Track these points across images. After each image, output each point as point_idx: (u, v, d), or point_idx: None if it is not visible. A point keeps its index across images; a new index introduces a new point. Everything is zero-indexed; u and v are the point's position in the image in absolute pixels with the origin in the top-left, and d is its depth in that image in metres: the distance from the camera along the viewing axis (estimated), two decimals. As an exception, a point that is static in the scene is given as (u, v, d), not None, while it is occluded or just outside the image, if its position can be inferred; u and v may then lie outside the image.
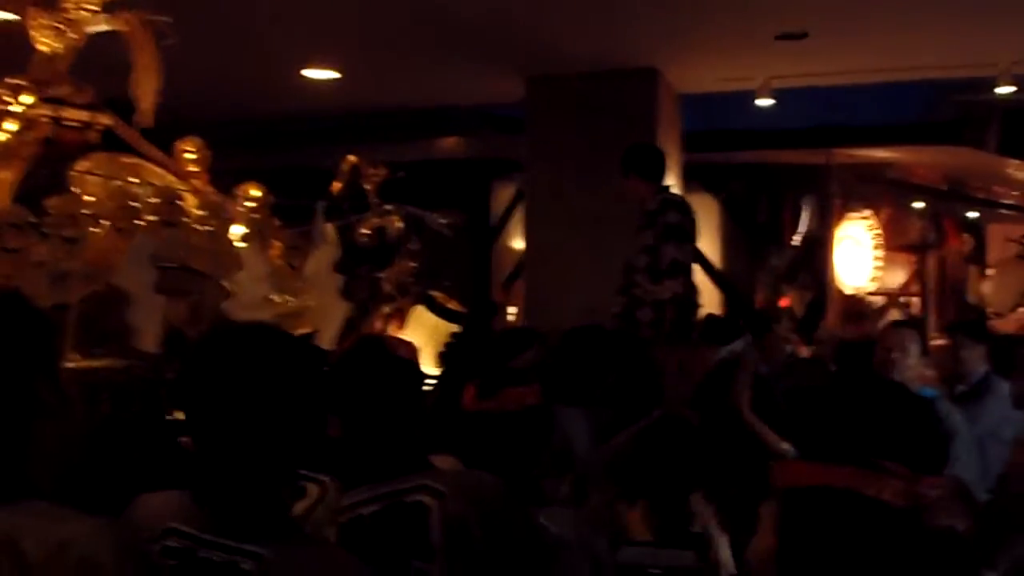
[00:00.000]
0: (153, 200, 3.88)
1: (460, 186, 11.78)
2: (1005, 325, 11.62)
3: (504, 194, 11.53)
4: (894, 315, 13.24)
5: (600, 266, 6.38)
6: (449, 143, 11.31)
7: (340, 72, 8.02)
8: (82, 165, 4.06)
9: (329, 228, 4.33)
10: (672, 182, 8.35)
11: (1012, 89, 7.76)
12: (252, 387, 1.74)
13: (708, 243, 11.42)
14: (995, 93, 7.97)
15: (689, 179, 9.16)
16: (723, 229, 11.76)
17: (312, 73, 8.02)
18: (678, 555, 1.40)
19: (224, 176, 5.02)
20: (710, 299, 10.00)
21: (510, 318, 10.62)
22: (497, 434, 3.05)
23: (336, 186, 4.96)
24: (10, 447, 1.65)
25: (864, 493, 1.55)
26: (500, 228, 11.86)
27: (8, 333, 1.70)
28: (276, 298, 3.90)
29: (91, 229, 3.74)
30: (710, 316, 6.47)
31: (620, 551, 1.32)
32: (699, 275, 10.78)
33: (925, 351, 4.61)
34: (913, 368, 4.21)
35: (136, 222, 3.82)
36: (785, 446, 2.92)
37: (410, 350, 2.89)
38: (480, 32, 7.03)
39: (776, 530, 1.54)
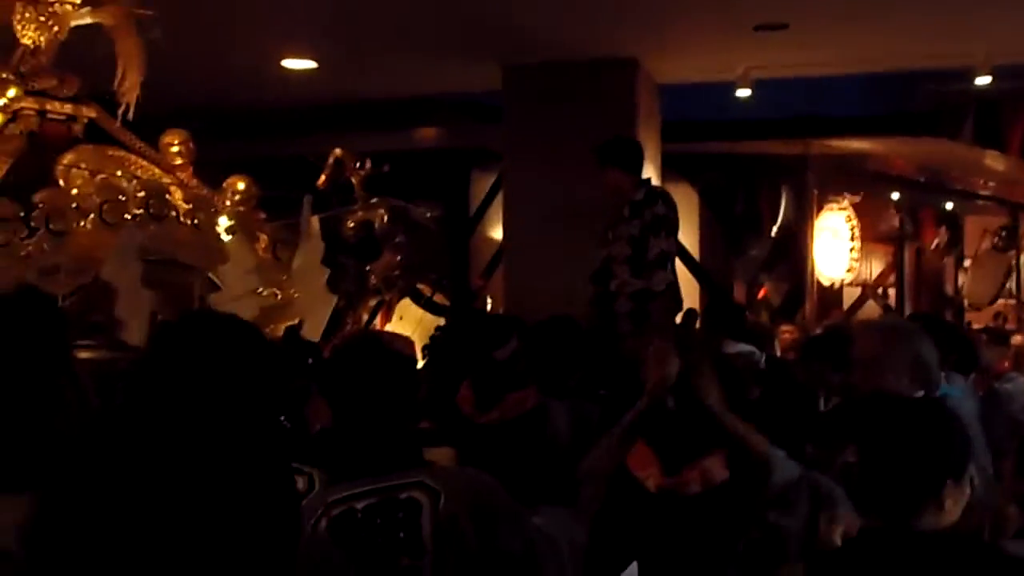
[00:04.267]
0: (140, 194, 3.87)
1: (439, 176, 11.75)
2: (981, 317, 11.73)
3: (483, 184, 11.51)
4: (871, 307, 13.35)
5: (577, 255, 6.38)
6: (428, 133, 11.28)
7: (317, 62, 7.99)
8: (68, 158, 4.04)
9: (314, 221, 4.33)
10: (650, 173, 8.39)
11: (989, 79, 7.82)
12: (212, 371, 1.71)
13: (686, 234, 11.41)
14: (971, 84, 8.03)
15: (667, 169, 9.18)
16: (701, 219, 11.79)
17: (291, 63, 7.99)
18: None
19: (208, 167, 5.01)
20: (688, 291, 10.06)
21: (488, 307, 10.63)
22: (502, 443, 3.04)
23: (322, 179, 4.97)
24: (31, 442, 1.65)
25: None
26: (478, 218, 11.85)
27: (30, 329, 1.68)
28: (263, 290, 3.90)
29: (78, 223, 3.73)
30: (691, 311, 6.50)
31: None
32: (679, 267, 10.87)
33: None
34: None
35: (123, 216, 3.81)
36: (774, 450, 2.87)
37: (407, 345, 2.90)
38: (458, 19, 7.02)
39: None
